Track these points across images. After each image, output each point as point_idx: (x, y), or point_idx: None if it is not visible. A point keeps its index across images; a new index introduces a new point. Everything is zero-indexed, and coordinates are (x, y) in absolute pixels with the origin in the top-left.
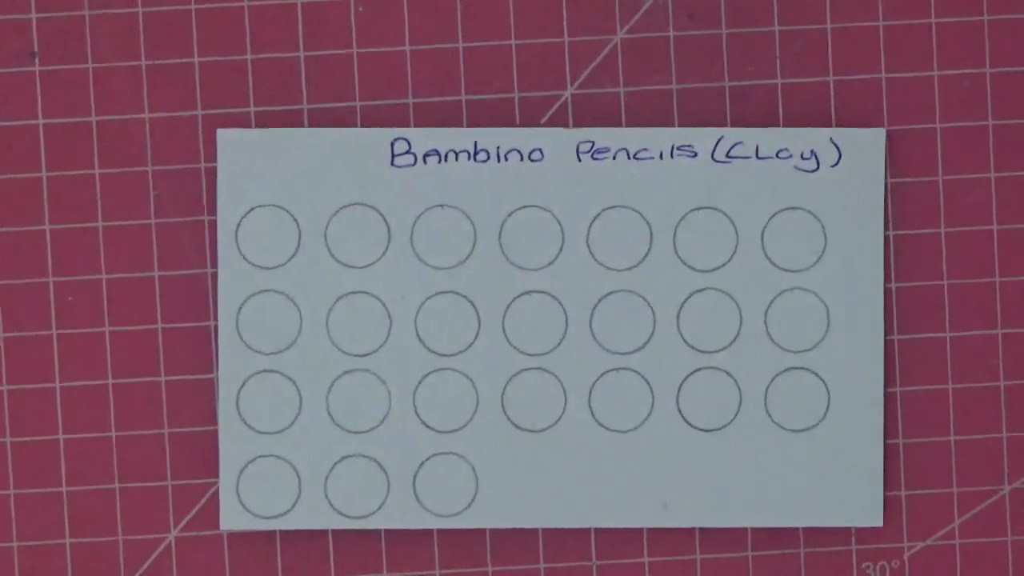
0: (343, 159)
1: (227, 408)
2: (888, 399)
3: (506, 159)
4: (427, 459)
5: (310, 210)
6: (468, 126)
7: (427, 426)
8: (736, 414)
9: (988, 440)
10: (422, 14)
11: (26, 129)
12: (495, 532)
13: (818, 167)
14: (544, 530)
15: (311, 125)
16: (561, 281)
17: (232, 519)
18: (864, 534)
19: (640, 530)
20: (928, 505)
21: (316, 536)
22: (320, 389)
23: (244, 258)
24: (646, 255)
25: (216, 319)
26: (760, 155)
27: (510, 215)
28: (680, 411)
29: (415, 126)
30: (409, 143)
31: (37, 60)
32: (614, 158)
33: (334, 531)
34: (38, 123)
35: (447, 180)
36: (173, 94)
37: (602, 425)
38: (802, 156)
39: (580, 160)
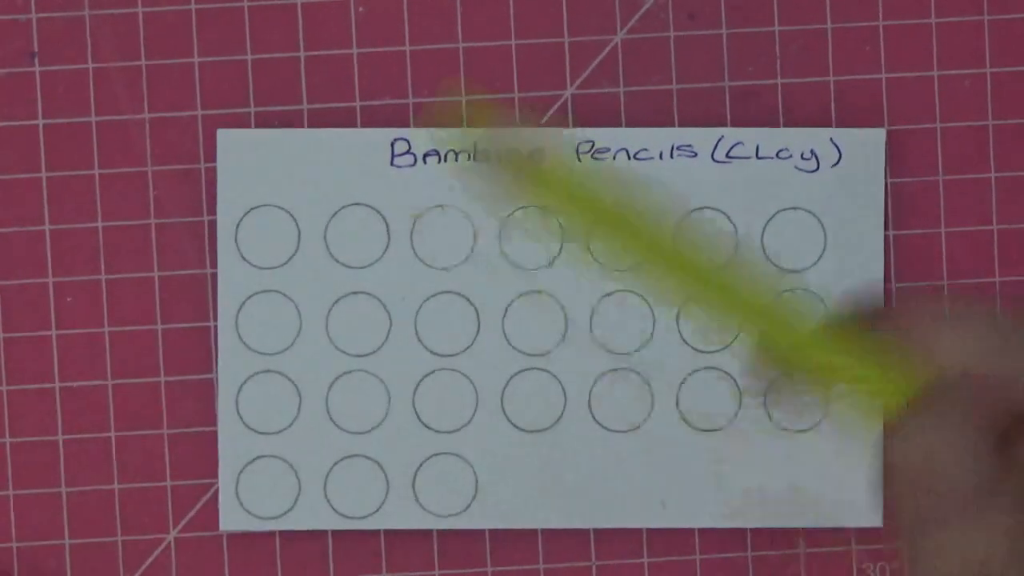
0: (343, 159)
1: (227, 408)
2: None
3: None
4: (427, 459)
5: (310, 210)
6: (468, 126)
7: (427, 426)
8: (736, 414)
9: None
10: (422, 14)
11: (26, 129)
12: (495, 532)
13: (818, 167)
14: (544, 530)
15: (311, 125)
16: (561, 281)
17: (232, 519)
18: (864, 534)
19: (640, 530)
20: None
21: (316, 536)
22: (320, 389)
23: (244, 258)
24: None
25: (216, 319)
26: (760, 155)
27: (510, 215)
28: (680, 411)
29: (415, 126)
30: (409, 143)
31: (37, 60)
32: (614, 158)
33: (334, 531)
34: (38, 123)
35: (447, 180)
36: (173, 94)
37: (602, 425)
38: (802, 156)
39: (580, 160)
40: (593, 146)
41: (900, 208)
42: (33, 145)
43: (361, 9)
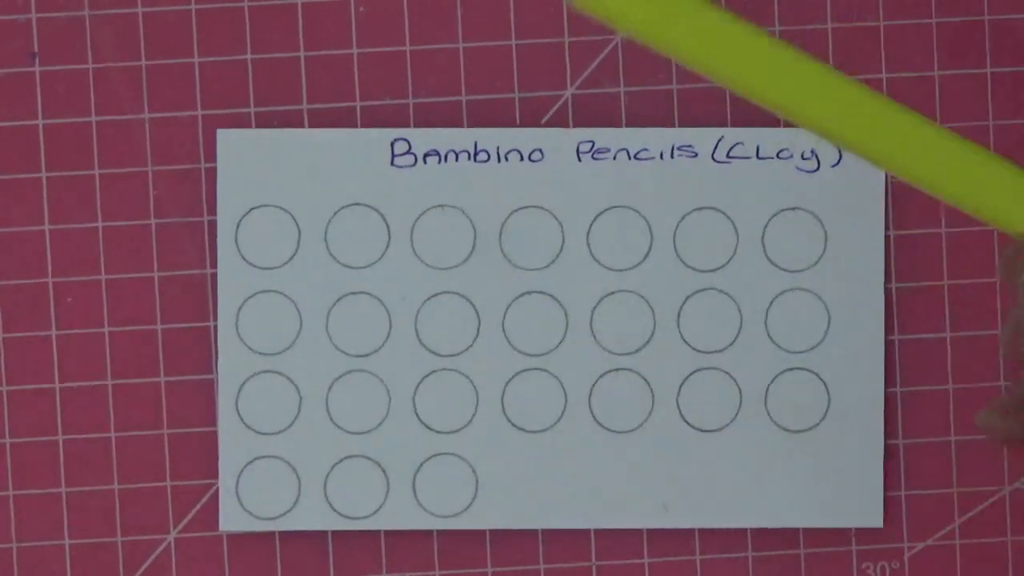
0: (343, 159)
1: (227, 408)
2: (888, 399)
3: (506, 159)
4: (427, 459)
5: (310, 210)
6: (468, 126)
7: (427, 426)
8: (736, 414)
9: (988, 440)
10: (422, 14)
11: (26, 129)
12: (495, 532)
13: (818, 167)
14: (544, 530)
15: (311, 125)
16: (562, 281)
17: (232, 520)
18: (864, 534)
19: (640, 530)
20: (928, 505)
21: (316, 536)
22: (320, 389)
23: (244, 258)
24: (646, 255)
25: (216, 319)
26: (760, 155)
27: (510, 215)
28: (680, 411)
29: (415, 126)
30: (409, 143)
31: (37, 60)
32: (614, 158)
33: (334, 531)
34: (38, 123)
35: (447, 180)
36: (173, 94)
37: (602, 425)
38: (802, 156)
39: (580, 160)
40: (593, 146)
41: (900, 208)
42: (33, 145)
43: (361, 9)
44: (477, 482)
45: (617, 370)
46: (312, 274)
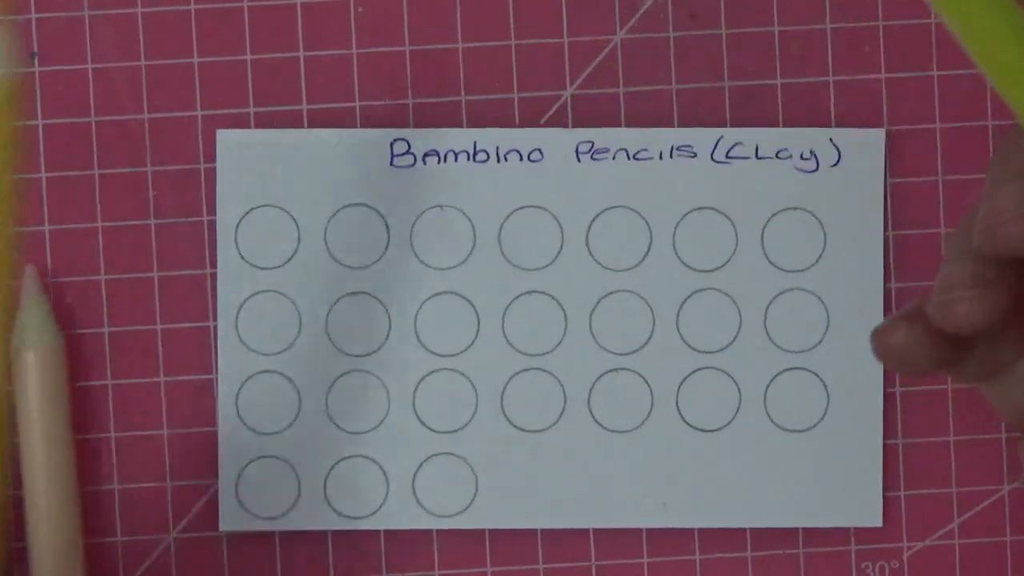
0: (343, 159)
1: (227, 408)
2: (888, 399)
3: (506, 159)
4: (427, 459)
5: (310, 210)
6: (468, 126)
7: (426, 426)
8: (736, 414)
9: (988, 440)
10: (422, 14)
11: (26, 129)
12: (495, 532)
13: (818, 167)
14: (544, 530)
15: (311, 125)
16: (561, 281)
17: (232, 520)
18: (864, 534)
19: (640, 530)
20: (928, 505)
21: (316, 536)
22: (319, 389)
23: (244, 258)
24: (646, 255)
25: (216, 319)
26: (760, 155)
27: (510, 215)
28: (680, 411)
29: (415, 126)
30: (409, 143)
31: (37, 60)
32: (614, 158)
33: (334, 531)
34: (38, 123)
35: (447, 180)
36: (173, 94)
37: (602, 425)
38: (802, 156)
39: (580, 160)
40: (593, 146)
41: (900, 208)
42: (33, 145)
43: (361, 9)
44: (477, 482)
45: (616, 370)
46: (312, 274)
